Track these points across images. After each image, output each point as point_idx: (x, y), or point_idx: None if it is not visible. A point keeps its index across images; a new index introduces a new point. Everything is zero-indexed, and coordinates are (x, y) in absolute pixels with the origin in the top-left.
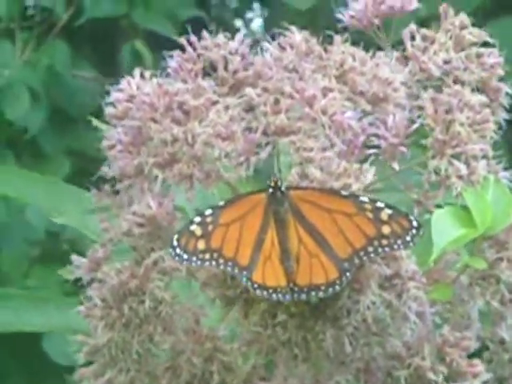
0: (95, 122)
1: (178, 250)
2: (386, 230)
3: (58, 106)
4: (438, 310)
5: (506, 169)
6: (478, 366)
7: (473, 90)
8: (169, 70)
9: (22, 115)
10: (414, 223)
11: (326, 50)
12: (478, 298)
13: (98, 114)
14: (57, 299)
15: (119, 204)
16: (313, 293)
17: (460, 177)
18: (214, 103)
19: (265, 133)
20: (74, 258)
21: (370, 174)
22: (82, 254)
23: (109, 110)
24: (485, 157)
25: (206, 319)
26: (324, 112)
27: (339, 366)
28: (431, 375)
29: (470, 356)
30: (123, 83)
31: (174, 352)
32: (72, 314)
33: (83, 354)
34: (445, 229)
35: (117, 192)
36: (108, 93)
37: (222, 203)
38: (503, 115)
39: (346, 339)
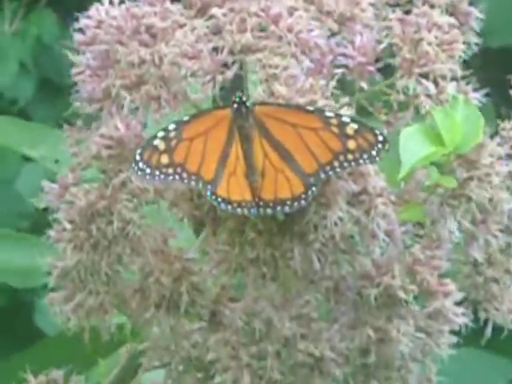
0: None
1: (140, 165)
2: (351, 144)
3: (46, 76)
4: (408, 230)
5: (475, 90)
6: (449, 284)
7: (442, 13)
8: None
9: (10, 85)
10: (380, 137)
11: None
12: (449, 218)
13: None
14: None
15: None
16: (278, 207)
17: (428, 96)
18: (182, 26)
19: (231, 52)
20: (45, 183)
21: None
22: None
23: (77, 37)
24: (454, 78)
25: (174, 241)
26: (290, 30)
27: (308, 285)
28: (401, 294)
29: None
30: (92, 10)
31: (143, 273)
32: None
33: (53, 278)
34: (413, 147)
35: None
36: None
37: (186, 118)
38: (474, 39)
39: (314, 256)
